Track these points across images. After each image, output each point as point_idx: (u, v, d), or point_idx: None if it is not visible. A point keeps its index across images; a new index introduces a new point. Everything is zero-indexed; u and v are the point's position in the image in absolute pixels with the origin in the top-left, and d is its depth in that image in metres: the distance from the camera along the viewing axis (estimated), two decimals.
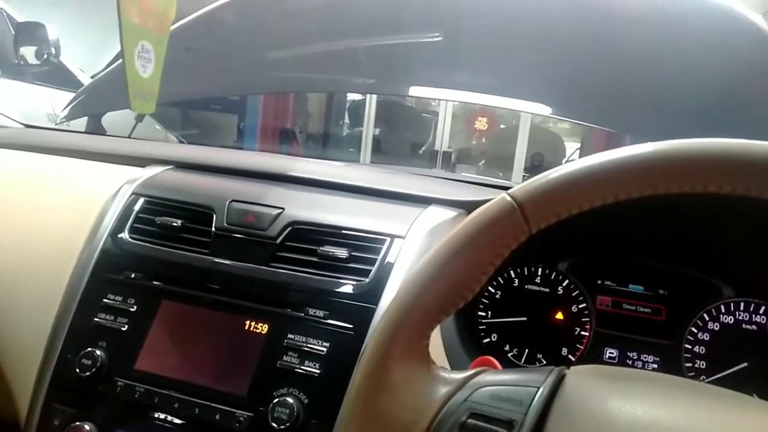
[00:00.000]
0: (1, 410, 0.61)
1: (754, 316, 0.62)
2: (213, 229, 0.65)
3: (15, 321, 0.64)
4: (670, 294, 0.67)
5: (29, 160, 0.81)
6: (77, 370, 0.58)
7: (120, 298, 0.62)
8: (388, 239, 0.62)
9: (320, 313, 0.58)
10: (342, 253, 0.61)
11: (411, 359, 0.37)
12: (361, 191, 0.70)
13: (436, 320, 0.38)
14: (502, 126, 5.07)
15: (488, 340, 0.69)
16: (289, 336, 0.58)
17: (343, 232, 0.63)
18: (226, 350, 0.59)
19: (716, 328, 0.63)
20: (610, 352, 0.66)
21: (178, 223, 0.66)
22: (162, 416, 0.57)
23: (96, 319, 0.61)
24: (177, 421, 0.56)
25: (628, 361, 0.65)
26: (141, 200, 0.69)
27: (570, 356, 0.67)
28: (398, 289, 0.39)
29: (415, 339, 0.38)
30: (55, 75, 2.31)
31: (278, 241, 0.63)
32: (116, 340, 0.60)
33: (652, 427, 0.33)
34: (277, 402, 0.54)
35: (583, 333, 0.67)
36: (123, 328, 0.60)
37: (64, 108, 1.41)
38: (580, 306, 0.68)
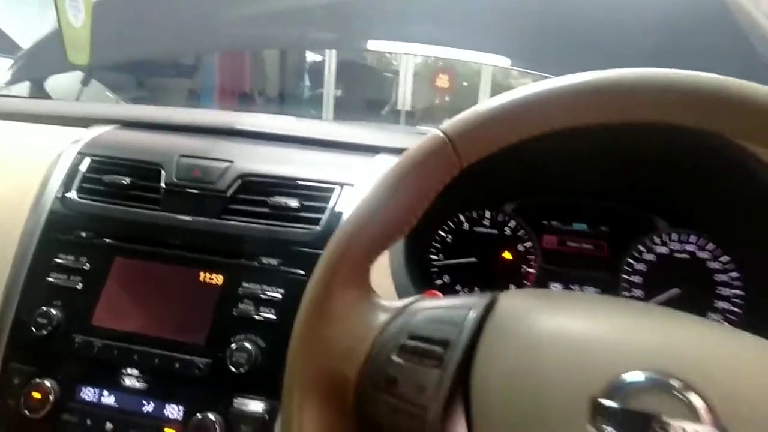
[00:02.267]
0: None
1: (686, 245, 0.66)
2: (162, 184, 0.65)
3: None
4: (611, 230, 0.70)
5: None
6: (33, 330, 0.58)
7: (72, 258, 0.62)
8: (338, 188, 0.63)
9: (273, 261, 0.60)
10: (293, 202, 0.62)
11: (352, 289, 0.39)
12: (310, 142, 0.70)
13: (376, 252, 0.40)
14: (464, 83, 5.06)
15: (440, 281, 0.72)
16: (244, 285, 0.59)
17: (294, 182, 0.64)
18: (183, 302, 0.60)
19: (652, 259, 0.67)
20: (554, 286, 0.70)
21: (126, 180, 0.66)
22: (122, 368, 0.58)
23: (49, 279, 0.61)
24: (137, 372, 0.58)
25: None
26: (87, 160, 0.68)
27: None
28: (340, 224, 0.40)
29: (356, 270, 0.39)
30: None
31: (228, 194, 0.64)
32: (71, 298, 0.60)
33: (575, 337, 0.35)
34: (235, 348, 0.56)
35: (529, 270, 0.70)
36: (77, 287, 0.61)
37: (7, 71, 1.35)
38: (526, 245, 0.71)
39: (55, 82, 1.54)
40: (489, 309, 0.39)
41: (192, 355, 0.57)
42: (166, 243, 0.62)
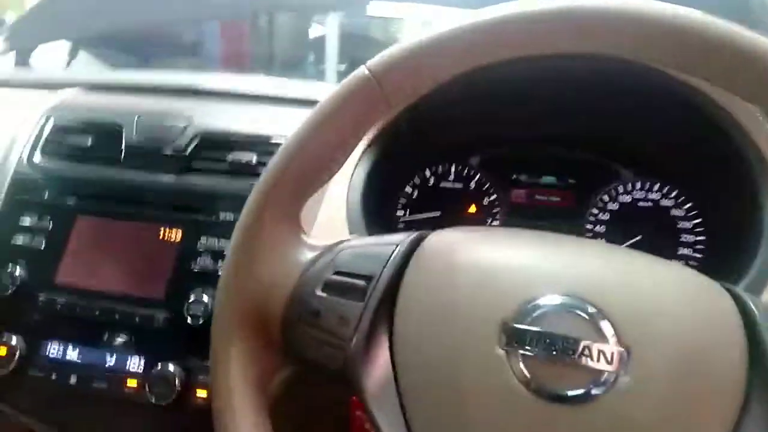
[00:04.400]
0: None
1: (648, 193, 0.66)
2: (123, 145, 0.65)
3: None
4: (578, 181, 0.70)
5: None
6: None
7: (35, 218, 0.63)
8: None
9: (231, 216, 0.60)
10: (251, 158, 0.62)
11: (280, 227, 0.39)
12: (270, 100, 0.70)
13: (305, 191, 0.40)
14: None
15: None
16: (202, 240, 0.60)
17: (251, 138, 0.64)
18: (143, 258, 0.60)
19: (615, 208, 0.67)
20: None
21: (88, 141, 0.66)
22: (84, 325, 0.59)
23: (13, 241, 0.62)
24: (98, 327, 0.59)
25: None
26: (51, 122, 0.69)
27: None
28: (269, 163, 0.40)
29: (284, 208, 0.40)
30: None
31: (188, 152, 0.64)
32: (34, 258, 0.61)
33: (490, 264, 0.35)
34: (192, 301, 0.56)
35: (494, 223, 0.70)
36: (41, 247, 0.62)
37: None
38: (491, 198, 0.71)
39: (44, 59, 1.55)
40: (416, 245, 0.39)
41: (152, 309, 0.58)
42: (127, 201, 0.63)
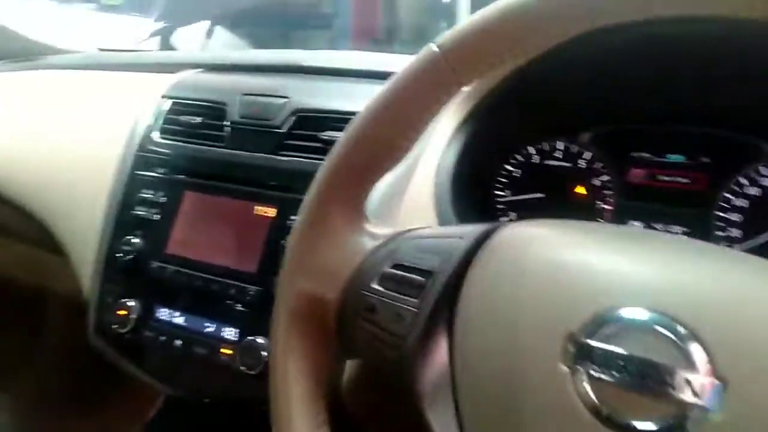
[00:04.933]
0: (73, 289, 0.71)
1: None
2: (227, 123, 0.68)
3: (75, 214, 0.73)
4: (713, 161, 0.60)
5: (86, 78, 0.89)
6: (120, 256, 0.66)
7: (152, 192, 0.68)
8: None
9: None
10: None
11: (342, 214, 0.38)
12: (366, 75, 0.68)
13: (368, 179, 0.38)
14: None
15: (507, 218, 0.67)
16: (292, 218, 0.60)
17: (346, 116, 0.63)
18: (239, 234, 0.63)
19: (756, 193, 0.56)
20: (633, 224, 0.61)
21: (197, 120, 0.70)
22: (189, 293, 0.63)
23: (133, 211, 0.68)
24: (200, 296, 0.63)
25: None
26: (169, 102, 0.74)
27: None
28: (332, 148, 0.39)
29: (346, 195, 0.38)
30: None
31: (284, 129, 0.65)
32: (149, 228, 0.67)
33: (563, 267, 0.31)
34: None
35: (605, 206, 0.63)
36: (154, 218, 0.67)
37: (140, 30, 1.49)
38: (602, 179, 0.63)
39: (184, 38, 1.68)
40: (484, 239, 0.35)
41: (246, 282, 0.61)
42: (227, 178, 0.65)
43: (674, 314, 0.27)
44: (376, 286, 0.35)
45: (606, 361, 0.27)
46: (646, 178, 0.63)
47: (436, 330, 0.33)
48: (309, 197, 0.38)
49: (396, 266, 0.35)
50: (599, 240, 0.33)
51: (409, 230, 0.38)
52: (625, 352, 0.27)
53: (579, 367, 0.28)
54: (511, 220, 0.37)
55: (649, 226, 0.60)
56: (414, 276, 0.34)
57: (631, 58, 0.56)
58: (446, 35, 0.35)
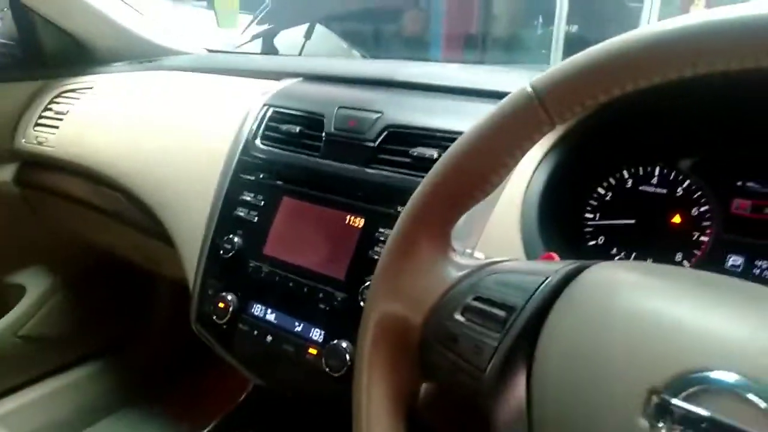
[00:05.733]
0: (180, 276, 0.78)
1: None
2: (324, 134, 0.72)
3: (184, 209, 0.80)
4: None
5: (196, 80, 0.97)
6: (221, 252, 0.72)
7: (252, 195, 0.73)
8: None
9: None
10: (433, 153, 0.63)
11: (430, 244, 0.40)
12: (458, 92, 0.69)
13: (456, 211, 0.40)
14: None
15: (594, 242, 0.66)
16: (380, 230, 0.63)
17: (435, 133, 0.65)
18: (330, 241, 0.66)
19: None
20: (733, 260, 0.58)
21: (297, 129, 0.74)
22: (281, 292, 0.68)
23: (235, 212, 0.74)
24: (291, 297, 0.67)
25: (755, 270, 0.57)
26: (270, 110, 0.79)
27: (685, 262, 0.61)
28: (424, 178, 0.40)
29: (434, 226, 0.40)
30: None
31: (376, 144, 0.68)
32: (248, 230, 0.72)
33: (652, 318, 0.31)
34: (366, 287, 0.61)
35: (702, 238, 0.60)
36: (254, 220, 0.72)
37: (243, 31, 1.58)
38: (701, 209, 0.60)
39: (287, 38, 1.76)
40: (570, 278, 0.36)
41: (333, 288, 0.64)
42: (321, 187, 0.69)
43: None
44: (459, 317, 0.37)
45: (689, 421, 0.27)
46: (752, 210, 0.59)
47: (515, 366, 0.34)
48: (400, 222, 0.40)
49: (479, 299, 0.37)
50: (692, 291, 0.32)
51: (494, 262, 0.39)
52: (710, 415, 0.27)
53: (659, 423, 0.28)
54: (597, 262, 0.37)
55: (751, 263, 0.57)
56: (496, 310, 0.36)
57: (742, 83, 0.53)
58: (541, 77, 0.36)
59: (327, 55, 1.98)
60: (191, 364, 1.31)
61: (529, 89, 0.36)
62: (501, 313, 0.35)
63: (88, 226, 1.12)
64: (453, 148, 0.39)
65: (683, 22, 0.30)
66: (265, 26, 1.64)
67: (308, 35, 1.61)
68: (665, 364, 0.29)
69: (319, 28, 1.74)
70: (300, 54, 1.58)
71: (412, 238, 0.40)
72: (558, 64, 0.35)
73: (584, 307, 0.34)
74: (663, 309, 0.31)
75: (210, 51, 1.28)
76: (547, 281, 0.35)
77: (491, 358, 0.34)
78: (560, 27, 4.38)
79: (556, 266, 0.37)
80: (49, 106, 1.07)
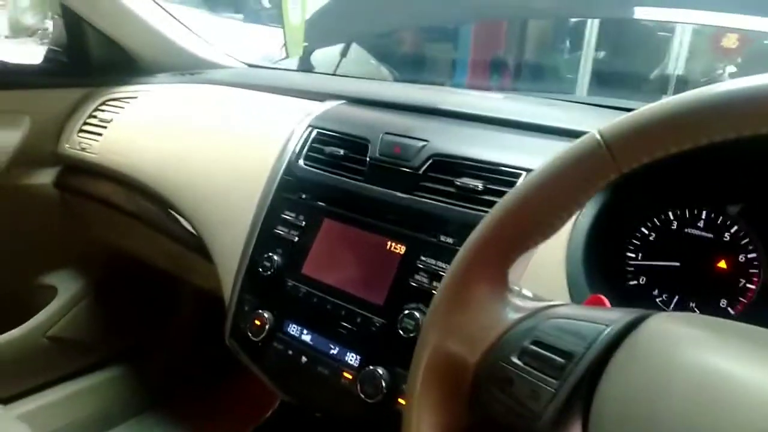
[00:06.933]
0: (211, 288, 0.79)
1: None
2: (368, 158, 0.72)
3: (224, 225, 0.81)
4: None
5: (239, 96, 0.98)
6: (260, 270, 0.72)
7: (293, 215, 0.74)
8: (524, 173, 0.62)
9: (450, 240, 0.62)
10: (477, 185, 0.64)
11: (488, 284, 0.40)
12: (503, 123, 0.70)
13: (516, 252, 0.40)
14: (766, 42, 4.17)
15: (635, 282, 0.66)
16: (422, 258, 0.63)
17: (481, 164, 0.65)
18: (370, 266, 0.67)
19: None
20: None
21: (341, 152, 0.75)
22: (318, 314, 0.68)
23: (275, 230, 0.75)
24: (328, 319, 0.67)
25: None
26: (315, 132, 0.80)
27: (729, 309, 0.60)
28: (484, 217, 0.41)
29: (492, 267, 0.40)
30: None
31: (421, 171, 0.68)
32: (288, 248, 0.73)
33: (717, 378, 0.31)
34: (406, 314, 0.61)
35: (749, 285, 0.59)
36: (294, 239, 0.73)
37: (282, 47, 1.61)
38: (749, 256, 0.60)
39: (322, 53, 1.79)
40: (630, 329, 0.35)
41: (371, 313, 0.64)
42: (364, 211, 0.70)
43: None
44: (516, 360, 0.37)
45: None
46: None
47: (571, 414, 0.34)
48: (459, 258, 0.41)
49: (537, 343, 0.37)
50: (757, 351, 0.32)
51: (553, 306, 0.39)
52: None
53: None
54: (657, 312, 0.36)
55: None
56: (555, 356, 0.36)
57: None
58: (611, 125, 0.36)
59: (357, 71, 2.01)
60: (213, 374, 1.32)
61: (597, 136, 0.36)
62: (560, 359, 0.35)
63: (122, 232, 1.14)
64: (517, 189, 0.39)
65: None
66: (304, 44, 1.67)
67: (344, 53, 1.63)
68: (734, 427, 0.28)
69: (355, 49, 1.77)
70: (335, 70, 1.60)
71: (471, 275, 0.40)
72: (628, 114, 0.36)
73: (645, 360, 0.33)
74: (726, 367, 0.31)
75: (249, 65, 1.30)
76: (608, 330, 0.35)
77: (548, 404, 0.34)
78: (588, 53, 4.37)
79: (615, 314, 0.37)
80: (93, 114, 1.10)
